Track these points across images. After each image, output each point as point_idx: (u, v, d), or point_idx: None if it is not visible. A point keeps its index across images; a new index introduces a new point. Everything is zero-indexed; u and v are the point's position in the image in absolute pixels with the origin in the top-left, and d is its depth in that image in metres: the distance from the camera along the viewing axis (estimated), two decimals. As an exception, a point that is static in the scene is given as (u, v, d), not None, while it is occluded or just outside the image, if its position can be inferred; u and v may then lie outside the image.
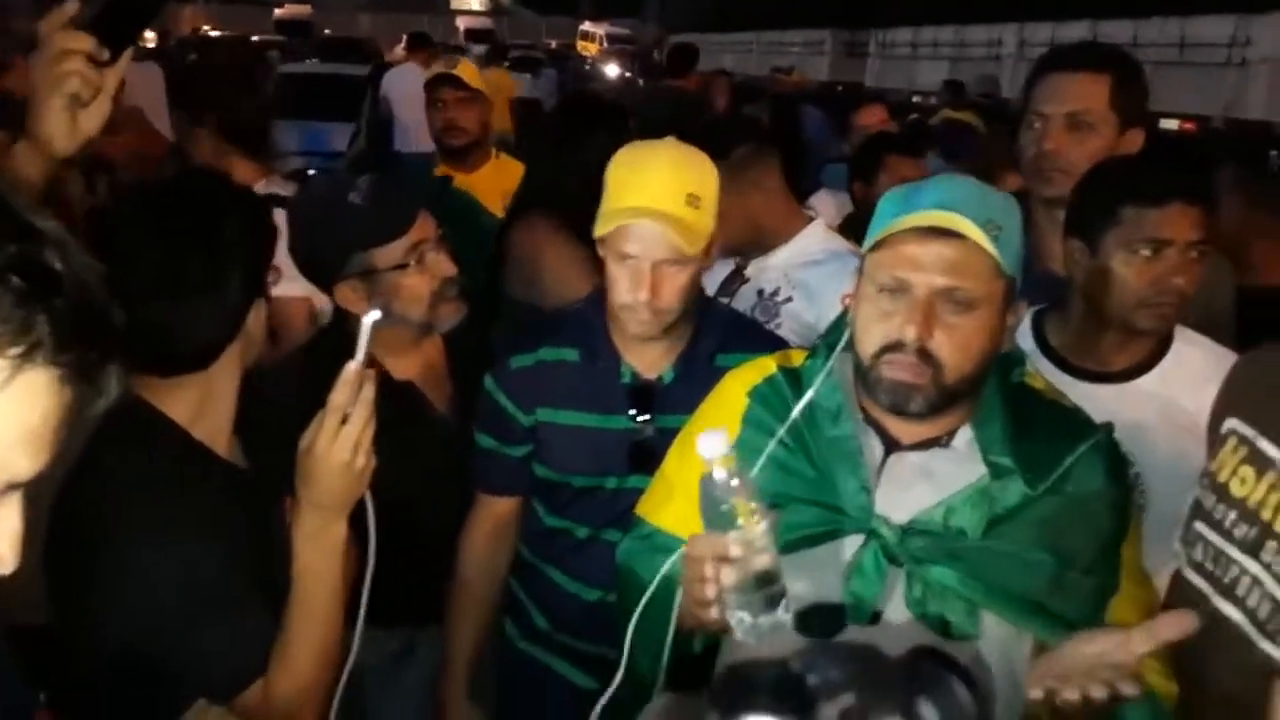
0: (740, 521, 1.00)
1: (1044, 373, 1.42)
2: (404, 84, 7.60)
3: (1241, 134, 10.42)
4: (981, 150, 5.27)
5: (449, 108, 3.08)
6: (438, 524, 1.74)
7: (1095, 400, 1.41)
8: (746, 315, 1.95)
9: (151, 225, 1.26)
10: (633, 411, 1.62)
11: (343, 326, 1.68)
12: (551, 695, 1.72)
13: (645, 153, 1.56)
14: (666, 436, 1.54)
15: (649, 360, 1.63)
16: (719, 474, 1.01)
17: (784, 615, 1.03)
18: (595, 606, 1.63)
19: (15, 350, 0.62)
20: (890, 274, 1.18)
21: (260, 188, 2.47)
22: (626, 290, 1.53)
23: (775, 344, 1.67)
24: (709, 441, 1.01)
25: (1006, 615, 1.20)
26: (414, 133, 7.37)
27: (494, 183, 3.07)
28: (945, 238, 1.15)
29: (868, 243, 1.23)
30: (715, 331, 1.65)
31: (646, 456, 1.58)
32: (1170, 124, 11.81)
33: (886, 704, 0.57)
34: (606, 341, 1.63)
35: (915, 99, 10.93)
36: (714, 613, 1.07)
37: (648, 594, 1.27)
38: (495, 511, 1.75)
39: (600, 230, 1.52)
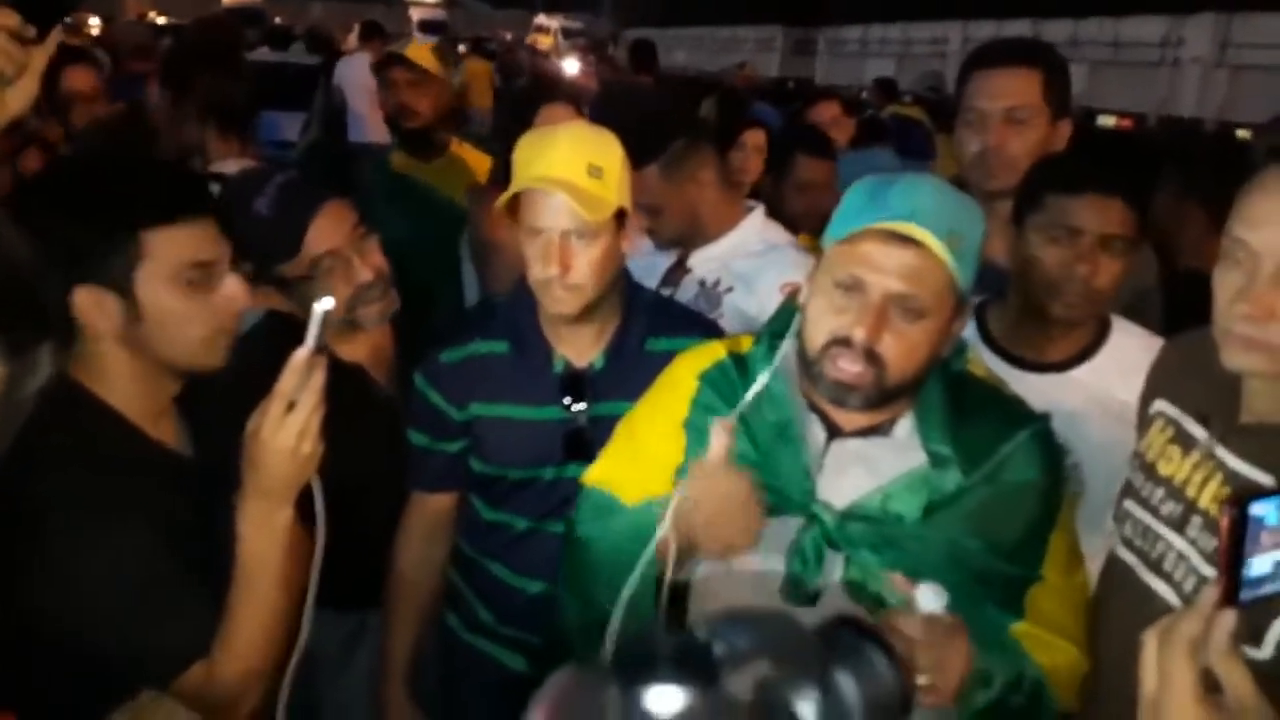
0: None
1: (985, 362, 1.44)
2: (357, 74, 7.50)
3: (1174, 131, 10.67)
4: (933, 146, 5.34)
5: (400, 90, 3.00)
6: (386, 505, 1.73)
7: (1034, 390, 1.44)
8: (676, 301, 1.96)
9: (63, 202, 1.22)
10: (566, 400, 1.61)
11: (281, 318, 1.67)
12: (496, 684, 1.71)
13: (546, 131, 1.57)
14: (600, 424, 1.55)
15: (579, 348, 1.63)
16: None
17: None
18: (539, 599, 1.63)
19: None
20: (848, 271, 1.19)
21: (232, 168, 2.42)
22: (539, 266, 1.52)
23: (704, 327, 1.69)
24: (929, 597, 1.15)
25: None
26: (368, 123, 7.29)
27: (454, 172, 3.01)
28: (907, 244, 1.16)
29: (831, 234, 1.24)
30: (643, 317, 1.65)
31: (581, 445, 1.59)
32: (1107, 120, 12.06)
33: (802, 674, 0.54)
34: (536, 332, 1.63)
35: (863, 95, 11.05)
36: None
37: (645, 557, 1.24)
38: (430, 509, 1.73)
39: (503, 200, 1.52)
